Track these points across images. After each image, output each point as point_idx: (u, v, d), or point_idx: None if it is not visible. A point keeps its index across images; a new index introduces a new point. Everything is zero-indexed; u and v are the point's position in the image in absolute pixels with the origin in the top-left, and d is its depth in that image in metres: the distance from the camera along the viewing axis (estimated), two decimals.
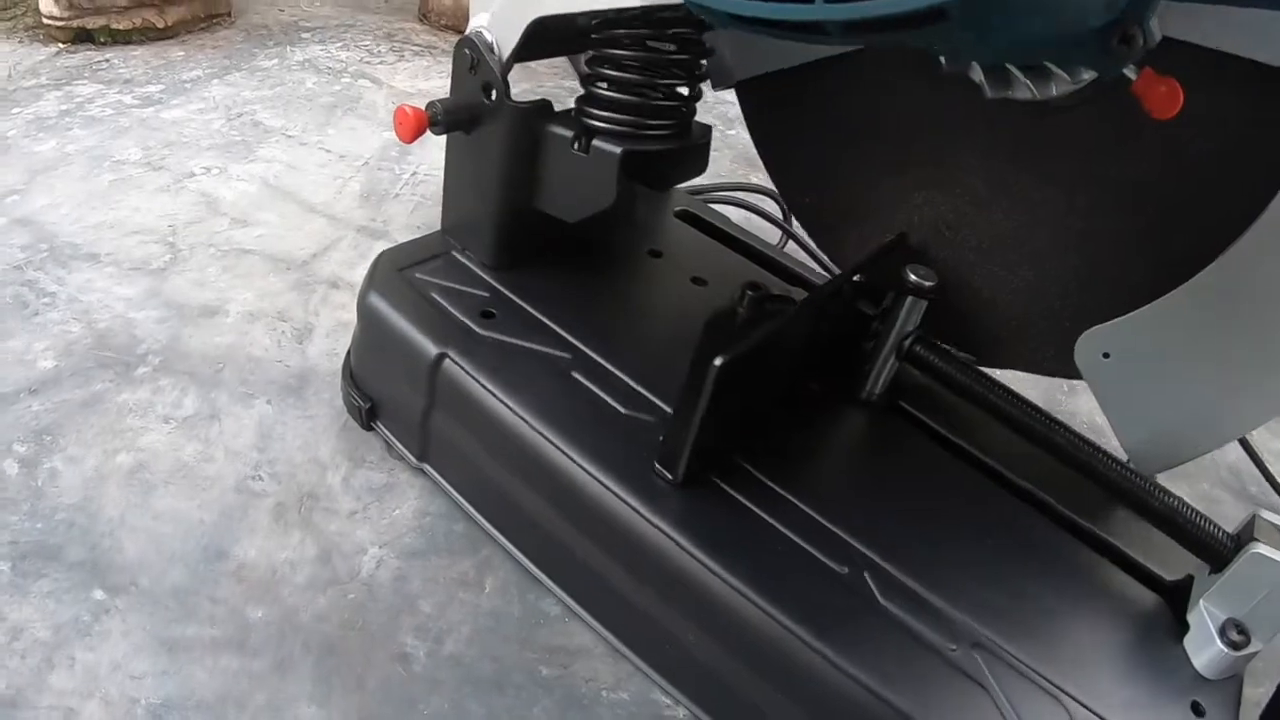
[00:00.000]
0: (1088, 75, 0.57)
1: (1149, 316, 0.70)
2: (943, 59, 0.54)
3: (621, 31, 0.75)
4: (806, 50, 0.86)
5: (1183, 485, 1.15)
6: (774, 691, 0.63)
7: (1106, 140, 0.73)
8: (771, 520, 0.67)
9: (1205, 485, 1.18)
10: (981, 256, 0.82)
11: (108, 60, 1.70)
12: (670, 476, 0.67)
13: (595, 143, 0.75)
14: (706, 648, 0.66)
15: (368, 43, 1.91)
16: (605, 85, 0.77)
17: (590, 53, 0.78)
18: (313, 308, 1.07)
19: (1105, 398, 0.75)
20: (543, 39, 0.76)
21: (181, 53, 1.76)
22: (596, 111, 0.76)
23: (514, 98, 0.78)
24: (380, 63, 1.81)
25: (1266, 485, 1.15)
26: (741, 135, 1.70)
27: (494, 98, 0.78)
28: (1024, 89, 0.57)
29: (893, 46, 0.78)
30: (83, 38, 1.77)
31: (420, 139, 0.80)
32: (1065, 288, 0.78)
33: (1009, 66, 0.57)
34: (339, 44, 1.88)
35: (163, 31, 1.81)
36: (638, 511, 0.65)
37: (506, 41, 0.77)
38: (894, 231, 0.85)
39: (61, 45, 1.77)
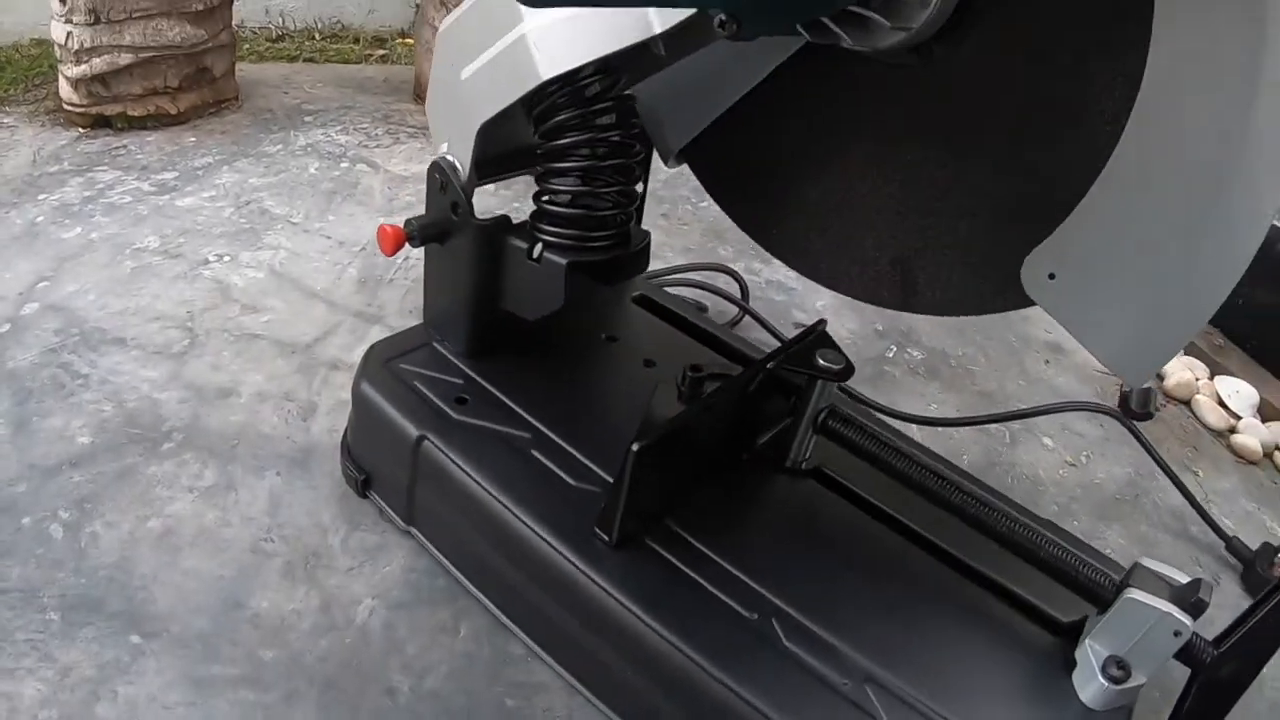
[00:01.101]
0: (911, 21, 0.69)
1: (1075, 225, 0.74)
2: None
3: (562, 141, 0.90)
4: (722, 96, 0.98)
5: (1116, 527, 1.28)
6: (692, 715, 0.80)
7: (978, 87, 0.79)
8: (693, 574, 0.83)
9: (1144, 527, 1.30)
10: (929, 222, 0.87)
11: (125, 146, 1.90)
12: (607, 539, 0.84)
13: (546, 254, 0.92)
14: (639, 683, 0.82)
15: (366, 125, 2.11)
16: (550, 201, 0.93)
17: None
18: (315, 388, 1.25)
19: (1065, 318, 0.77)
20: (495, 159, 0.94)
21: (193, 138, 1.96)
22: (545, 226, 0.93)
23: (478, 214, 0.96)
24: (377, 146, 2.00)
25: (1207, 526, 1.28)
26: (711, 208, 1.86)
27: (460, 214, 0.96)
28: (843, 39, 0.70)
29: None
30: (101, 123, 1.97)
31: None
32: (999, 224, 0.82)
33: (825, 20, 0.69)
34: (339, 127, 2.08)
35: (175, 117, 2.01)
36: (580, 569, 0.82)
37: (465, 162, 0.94)
38: (856, 234, 0.93)
39: (82, 130, 1.96)
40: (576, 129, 0.89)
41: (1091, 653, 0.81)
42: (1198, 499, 1.32)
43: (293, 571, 0.99)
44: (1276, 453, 1.55)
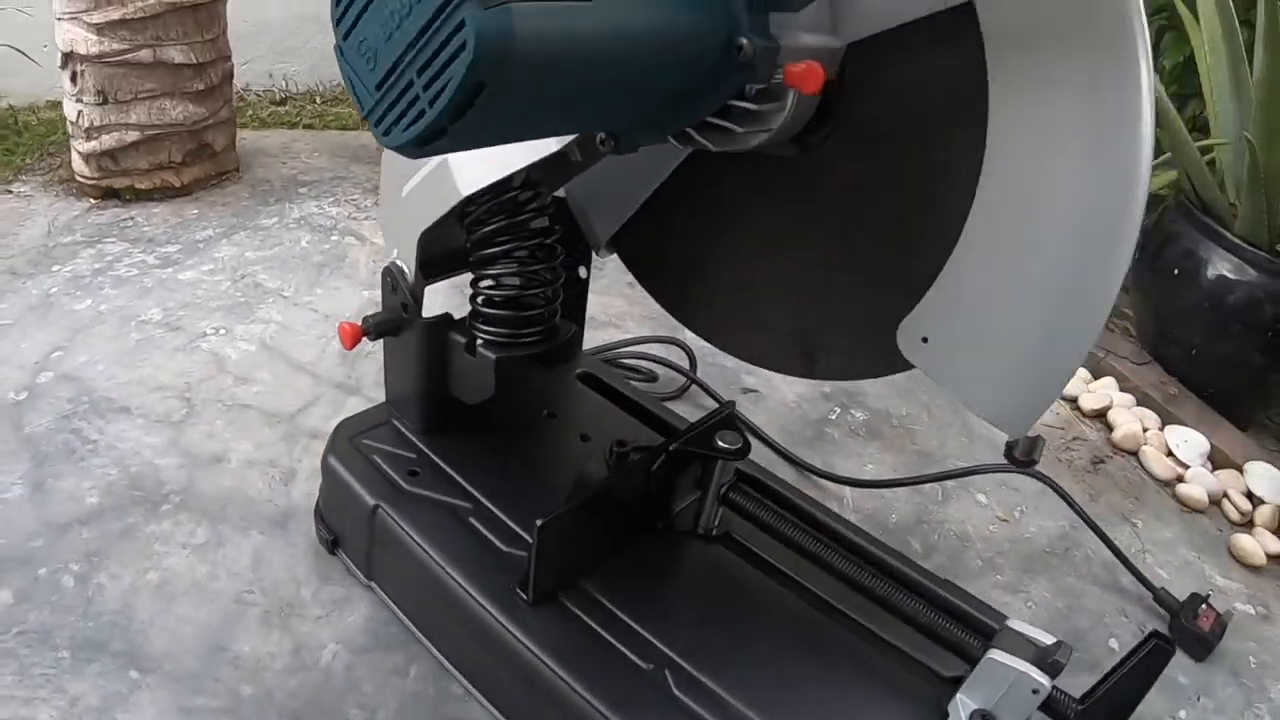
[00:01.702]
0: (769, 124, 0.75)
1: (940, 292, 0.80)
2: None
3: (488, 251, 1.06)
4: (637, 191, 1.08)
5: (1042, 580, 1.37)
6: None
7: (849, 171, 0.85)
8: (599, 629, 1.00)
9: (1071, 579, 1.38)
10: (819, 295, 0.95)
11: (133, 218, 2.10)
12: (526, 598, 1.01)
13: (479, 349, 1.09)
14: None
15: (356, 196, 2.31)
16: (482, 300, 1.09)
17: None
18: (296, 456, 1.44)
19: (941, 379, 0.82)
20: (439, 259, 1.10)
21: (196, 211, 2.16)
22: (479, 324, 1.09)
23: (424, 313, 1.12)
24: (366, 218, 2.20)
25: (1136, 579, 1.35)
26: None
27: (409, 312, 1.13)
28: (707, 145, 0.77)
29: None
30: (111, 194, 2.17)
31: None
32: (879, 295, 0.87)
33: (689, 131, 0.77)
34: (331, 199, 2.28)
35: (179, 190, 2.21)
36: (502, 624, 0.99)
37: (411, 265, 1.10)
38: (763, 310, 1.02)
39: (93, 201, 2.17)
40: (502, 236, 1.05)
41: (962, 706, 0.90)
42: (1135, 549, 1.42)
43: (270, 619, 1.17)
44: (1224, 500, 1.60)
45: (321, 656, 1.13)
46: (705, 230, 1.05)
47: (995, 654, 0.88)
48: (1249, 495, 1.62)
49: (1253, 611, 1.40)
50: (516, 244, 1.06)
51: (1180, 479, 1.65)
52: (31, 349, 1.63)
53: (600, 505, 1.06)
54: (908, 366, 0.85)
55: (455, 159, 1.00)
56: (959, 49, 0.73)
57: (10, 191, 2.24)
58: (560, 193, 1.15)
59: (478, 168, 0.98)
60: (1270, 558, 1.49)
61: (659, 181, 1.07)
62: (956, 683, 0.93)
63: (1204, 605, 1.30)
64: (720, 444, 1.11)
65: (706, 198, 1.04)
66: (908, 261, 0.83)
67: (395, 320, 1.14)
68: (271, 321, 1.77)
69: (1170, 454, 1.70)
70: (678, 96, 0.75)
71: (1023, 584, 1.37)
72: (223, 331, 1.72)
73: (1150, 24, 2.25)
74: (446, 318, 1.14)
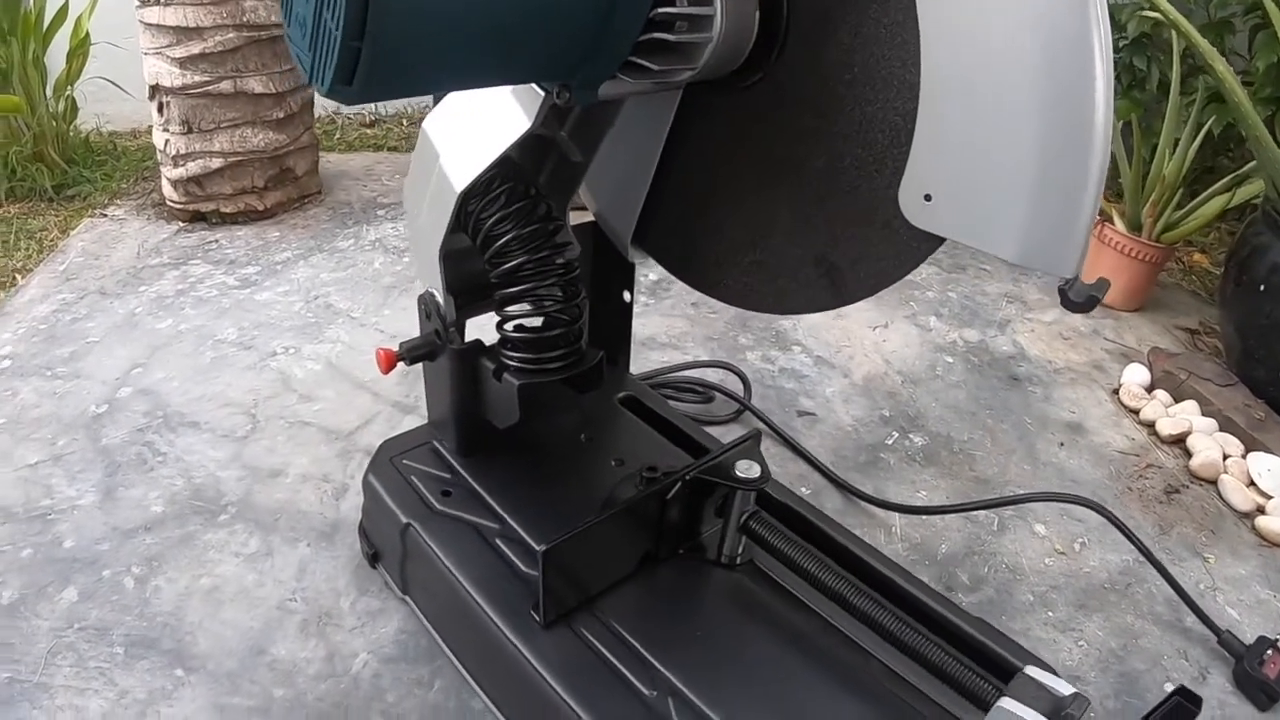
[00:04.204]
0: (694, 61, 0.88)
1: (922, 147, 0.83)
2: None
3: (506, 265, 1.10)
4: (638, 181, 1.17)
5: (1097, 618, 1.37)
6: None
7: (805, 85, 0.94)
8: (607, 653, 1.06)
9: (1129, 618, 1.37)
10: (827, 208, 0.98)
11: (217, 240, 2.27)
12: (539, 620, 1.09)
13: (505, 376, 1.17)
14: None
15: None
16: (508, 329, 1.16)
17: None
18: (350, 472, 1.56)
19: (959, 232, 0.82)
20: (466, 294, 1.18)
21: (277, 233, 2.33)
22: (506, 351, 1.17)
23: (457, 340, 1.21)
24: None
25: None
26: None
27: (442, 339, 1.22)
28: (649, 68, 0.87)
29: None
30: (198, 218, 2.36)
31: None
32: (879, 179, 0.91)
33: (634, 59, 0.87)
34: (406, 220, 2.41)
35: (263, 213, 2.38)
36: (515, 644, 1.07)
37: (439, 291, 1.18)
38: (779, 253, 1.06)
39: (181, 224, 2.35)
40: (515, 253, 1.11)
41: None
42: (1204, 586, 1.41)
43: (308, 627, 1.28)
44: None
45: (353, 665, 1.23)
46: (707, 197, 1.13)
47: (1006, 702, 0.89)
48: None
49: None
50: (536, 283, 1.12)
51: (1261, 510, 1.60)
52: (114, 365, 1.80)
53: (611, 531, 1.13)
54: (930, 247, 0.87)
55: (447, 163, 1.08)
56: None
57: (105, 215, 2.45)
58: (589, 215, 1.26)
59: (465, 163, 1.07)
60: None
61: (654, 159, 1.15)
62: None
63: (1271, 650, 1.27)
64: (738, 473, 1.16)
65: (697, 166, 1.11)
66: (889, 136, 0.87)
67: (429, 346, 1.24)
68: (339, 342, 1.91)
69: (1251, 483, 1.65)
70: (593, 6, 0.83)
71: (1075, 621, 1.37)
72: (292, 351, 1.86)
73: (1244, 24, 2.23)
74: (478, 344, 1.23)
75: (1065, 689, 0.90)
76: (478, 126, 1.07)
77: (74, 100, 2.73)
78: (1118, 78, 2.34)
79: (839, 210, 0.96)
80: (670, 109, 1.10)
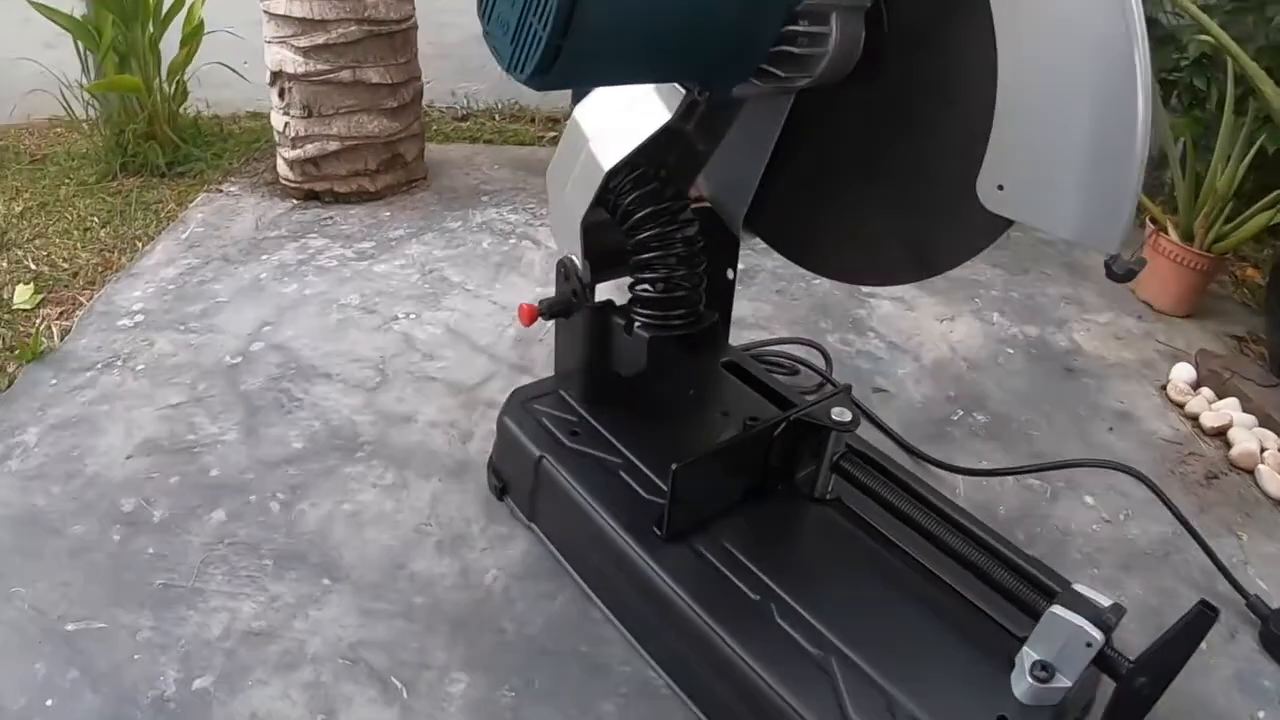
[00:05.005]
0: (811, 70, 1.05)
1: (997, 143, 0.98)
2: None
3: (641, 235, 1.26)
4: (751, 170, 1.33)
5: (1138, 578, 1.47)
6: (704, 664, 1.18)
7: (905, 88, 1.10)
8: (717, 563, 1.22)
9: (1167, 580, 1.48)
10: (919, 191, 1.15)
11: (331, 218, 2.46)
12: (660, 534, 1.25)
13: (636, 329, 1.33)
14: (672, 639, 1.22)
15: (533, 205, 2.63)
16: (640, 290, 1.32)
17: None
18: (474, 420, 1.73)
19: (1027, 216, 0.99)
20: (602, 260, 1.35)
21: (388, 213, 2.51)
22: (636, 309, 1.32)
23: (591, 298, 1.37)
24: (541, 225, 2.52)
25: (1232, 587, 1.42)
26: (819, 285, 2.28)
27: (578, 298, 1.39)
28: (776, 74, 1.04)
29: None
30: (312, 196, 2.54)
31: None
32: (963, 169, 1.04)
33: (765, 67, 1.04)
34: (510, 207, 2.60)
35: (374, 195, 2.57)
36: (638, 554, 1.23)
37: (578, 255, 1.35)
38: (874, 238, 1.25)
39: (296, 201, 2.53)
40: (654, 242, 1.28)
41: (1026, 656, 1.03)
42: (1236, 560, 1.50)
43: (443, 547, 1.45)
44: None
45: (484, 579, 1.40)
46: (813, 185, 1.29)
47: (1056, 609, 1.01)
48: None
49: None
50: (665, 251, 1.29)
51: None
52: (244, 323, 1.98)
53: (728, 460, 1.30)
54: (1001, 227, 1.04)
55: (595, 145, 1.26)
56: None
57: (221, 190, 2.65)
58: (706, 201, 1.42)
59: (611, 146, 1.24)
60: None
61: (768, 151, 1.31)
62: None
63: None
64: (834, 417, 1.31)
65: (805, 158, 1.28)
66: (973, 134, 1.02)
67: (566, 303, 1.41)
68: (455, 310, 2.09)
69: None
70: (740, 25, 1.00)
71: (1118, 580, 1.48)
72: (413, 316, 2.05)
73: None
74: (609, 303, 1.39)
75: (1105, 600, 1.02)
76: (623, 116, 1.24)
77: (184, 84, 2.92)
78: (1179, 97, 2.48)
79: (926, 196, 1.14)
80: (784, 109, 1.27)
